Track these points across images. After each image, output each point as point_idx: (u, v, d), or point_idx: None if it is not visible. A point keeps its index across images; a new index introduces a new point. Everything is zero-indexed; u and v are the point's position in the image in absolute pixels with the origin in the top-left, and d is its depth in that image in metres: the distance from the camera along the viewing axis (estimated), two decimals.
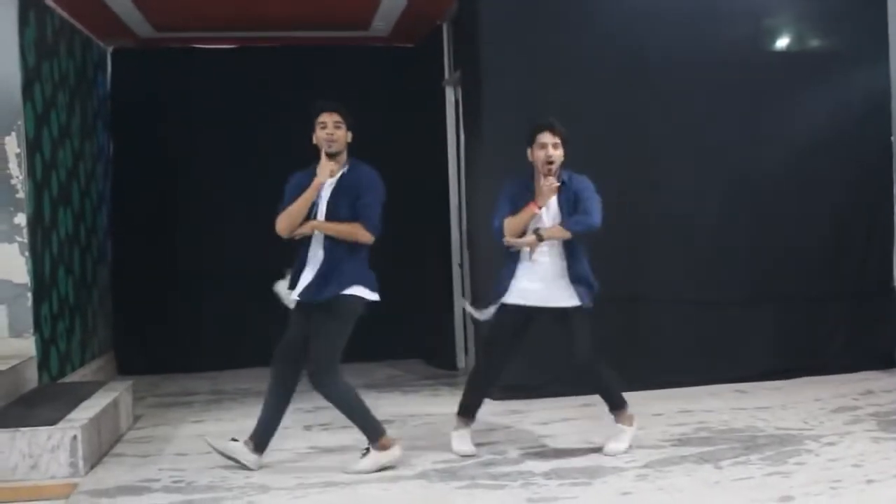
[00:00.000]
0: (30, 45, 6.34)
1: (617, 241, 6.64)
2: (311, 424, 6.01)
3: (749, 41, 7.05)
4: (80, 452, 4.86)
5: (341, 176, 4.99)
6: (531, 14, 6.66)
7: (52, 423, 4.95)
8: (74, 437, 4.86)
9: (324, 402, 6.56)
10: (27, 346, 6.17)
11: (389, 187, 8.46)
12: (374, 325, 8.49)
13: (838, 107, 7.10)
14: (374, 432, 4.84)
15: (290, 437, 5.69)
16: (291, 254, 5.35)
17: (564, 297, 4.91)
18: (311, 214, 4.98)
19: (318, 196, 4.96)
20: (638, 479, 4.50)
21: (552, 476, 4.58)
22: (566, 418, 5.85)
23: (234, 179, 8.45)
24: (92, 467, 4.98)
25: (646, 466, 4.70)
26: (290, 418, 6.15)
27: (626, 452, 4.93)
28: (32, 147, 6.34)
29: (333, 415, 6.20)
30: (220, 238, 8.44)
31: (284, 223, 4.90)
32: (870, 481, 4.32)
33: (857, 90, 7.16)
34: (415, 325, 8.54)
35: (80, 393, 5.74)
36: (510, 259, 5.01)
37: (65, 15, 7.17)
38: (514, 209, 4.97)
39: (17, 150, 6.15)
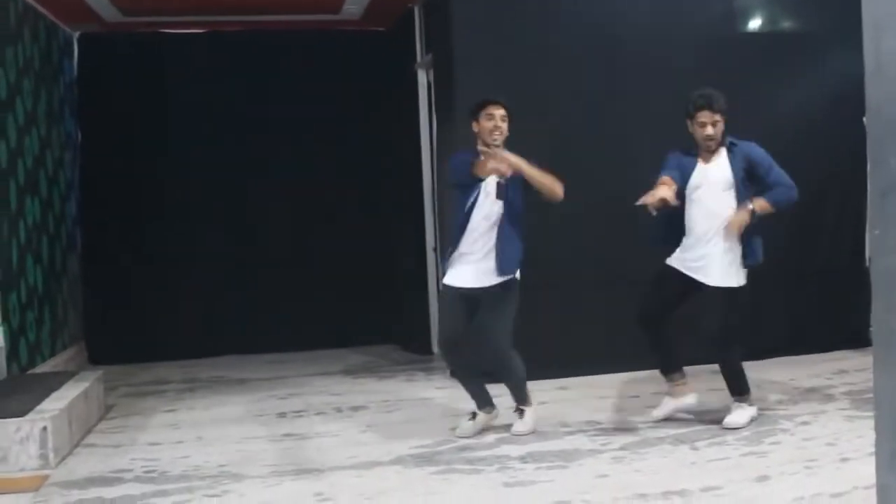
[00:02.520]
0: None
1: (592, 224, 6.64)
2: (286, 411, 5.97)
3: (722, 22, 7.04)
4: (50, 444, 4.78)
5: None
6: None
7: (21, 414, 4.86)
8: (44, 429, 4.78)
9: (299, 389, 6.66)
10: None
11: (362, 172, 8.52)
12: (348, 311, 8.57)
13: (811, 87, 7.10)
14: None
15: (264, 424, 5.65)
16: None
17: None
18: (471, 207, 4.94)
19: (480, 189, 4.94)
20: (614, 462, 4.49)
21: (528, 460, 4.56)
22: (541, 402, 5.79)
23: (205, 165, 8.37)
24: (63, 459, 4.90)
25: (622, 449, 4.69)
26: (263, 405, 6.17)
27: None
28: None
29: (307, 402, 6.23)
30: (193, 225, 8.37)
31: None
32: (844, 459, 4.33)
33: (830, 71, 7.14)
34: (389, 310, 8.51)
35: (50, 384, 5.65)
36: None
37: (28, 0, 7.04)
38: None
39: None
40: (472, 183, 4.91)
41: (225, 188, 8.46)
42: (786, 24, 7.30)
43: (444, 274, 5.16)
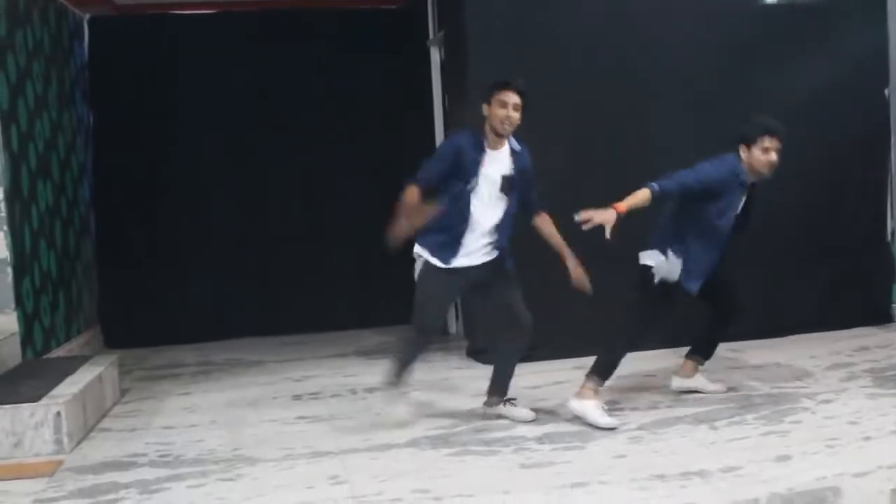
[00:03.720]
0: (0, 13, 6.17)
1: (610, 201, 6.54)
2: (301, 394, 5.93)
3: None
4: (64, 429, 4.76)
5: (513, 158, 4.79)
6: None
7: (36, 399, 4.84)
8: (58, 414, 4.76)
9: (314, 371, 6.63)
10: (9, 321, 6.03)
11: (375, 152, 8.43)
12: (363, 292, 8.51)
13: (834, 61, 6.96)
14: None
15: (279, 406, 5.62)
16: None
17: None
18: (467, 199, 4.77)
19: (481, 171, 4.73)
20: (632, 442, 4.42)
21: (545, 441, 4.50)
22: (557, 381, 5.77)
23: (218, 147, 8.32)
24: (77, 443, 4.88)
25: (640, 428, 4.63)
26: (278, 388, 6.14)
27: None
28: (7, 118, 6.18)
29: (322, 384, 6.19)
30: (207, 207, 8.33)
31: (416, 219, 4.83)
32: (867, 438, 4.26)
33: (853, 44, 7.01)
34: (405, 290, 8.43)
35: (65, 368, 5.63)
36: None
37: None
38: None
39: None
40: (472, 170, 4.70)
41: (238, 169, 8.42)
42: None
43: (432, 255, 4.93)
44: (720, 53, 6.76)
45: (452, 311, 7.89)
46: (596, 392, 4.84)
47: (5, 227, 6.04)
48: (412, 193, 4.70)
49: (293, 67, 8.37)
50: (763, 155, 4.84)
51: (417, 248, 4.96)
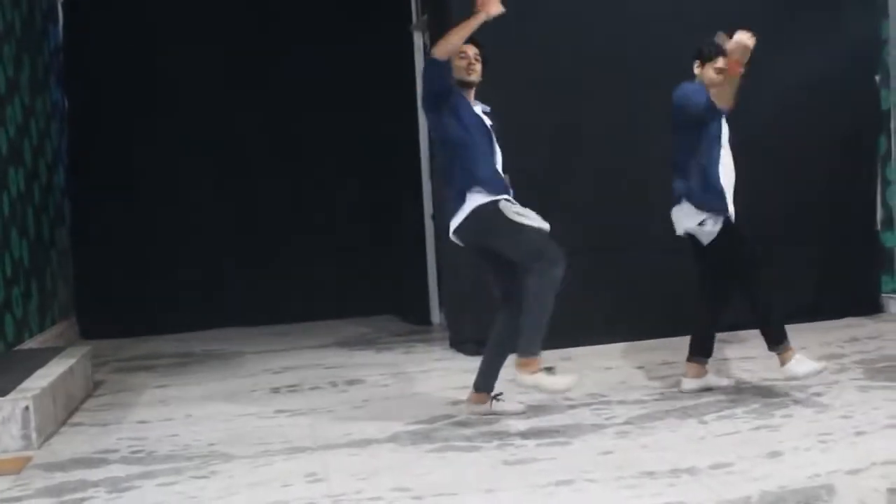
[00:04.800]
0: None
1: (599, 190, 6.43)
2: (279, 386, 5.79)
3: None
4: (32, 424, 4.59)
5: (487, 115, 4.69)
6: None
7: (3, 393, 4.68)
8: (26, 408, 4.59)
9: (294, 363, 6.48)
10: None
11: (358, 137, 8.28)
12: (346, 281, 8.37)
13: (825, 52, 6.83)
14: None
15: (257, 400, 5.47)
16: None
17: None
18: (489, 131, 4.62)
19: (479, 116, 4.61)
20: (619, 437, 4.29)
21: (529, 436, 4.37)
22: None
23: (198, 132, 8.17)
24: (47, 439, 4.72)
25: (627, 423, 4.50)
26: (256, 380, 6.00)
27: None
28: None
29: (302, 376, 6.04)
30: (187, 195, 8.18)
31: (446, 44, 4.44)
32: (860, 433, 4.14)
33: (844, 35, 6.91)
34: (387, 279, 8.32)
35: (35, 361, 5.46)
36: None
37: None
38: None
39: None
40: (462, 102, 4.57)
41: (219, 156, 8.26)
42: None
43: (496, 196, 4.49)
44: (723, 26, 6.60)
45: (436, 299, 7.76)
46: (793, 352, 4.80)
47: None
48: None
49: (273, 49, 8.21)
50: (716, 75, 4.78)
51: (483, 200, 4.51)
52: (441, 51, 4.46)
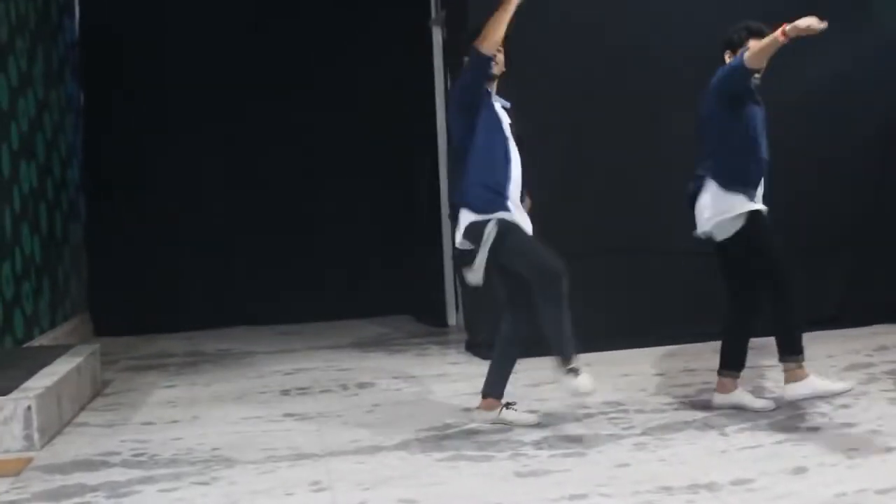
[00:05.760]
0: None
1: (621, 191, 6.28)
2: (289, 388, 5.67)
3: None
4: (35, 424, 4.49)
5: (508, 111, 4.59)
6: None
7: (5, 392, 4.58)
8: (28, 408, 4.50)
9: (306, 364, 6.36)
10: None
11: (376, 135, 8.15)
12: (361, 281, 8.24)
13: (851, 56, 6.63)
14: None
15: (265, 402, 5.36)
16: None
17: None
18: (505, 139, 4.48)
19: (500, 118, 4.50)
20: (636, 449, 4.13)
21: (543, 446, 4.21)
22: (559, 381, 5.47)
23: (214, 129, 8.08)
24: (50, 439, 4.62)
25: (644, 434, 4.34)
26: (267, 381, 5.88)
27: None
28: None
29: (313, 378, 5.92)
30: (201, 192, 8.09)
31: (489, 36, 4.33)
32: (889, 449, 3.95)
33: (871, 38, 6.71)
34: (404, 280, 8.18)
35: (42, 359, 5.37)
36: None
37: None
38: None
39: None
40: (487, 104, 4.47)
41: (234, 153, 8.17)
42: None
43: (499, 209, 4.40)
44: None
45: (452, 301, 7.62)
46: (802, 369, 4.53)
47: None
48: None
49: (290, 44, 8.10)
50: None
51: (474, 218, 4.43)
52: (490, 44, 4.35)
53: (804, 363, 4.59)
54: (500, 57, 4.50)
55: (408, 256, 8.15)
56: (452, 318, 7.61)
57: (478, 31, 4.46)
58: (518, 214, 4.46)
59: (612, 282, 6.22)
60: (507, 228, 4.39)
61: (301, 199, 8.19)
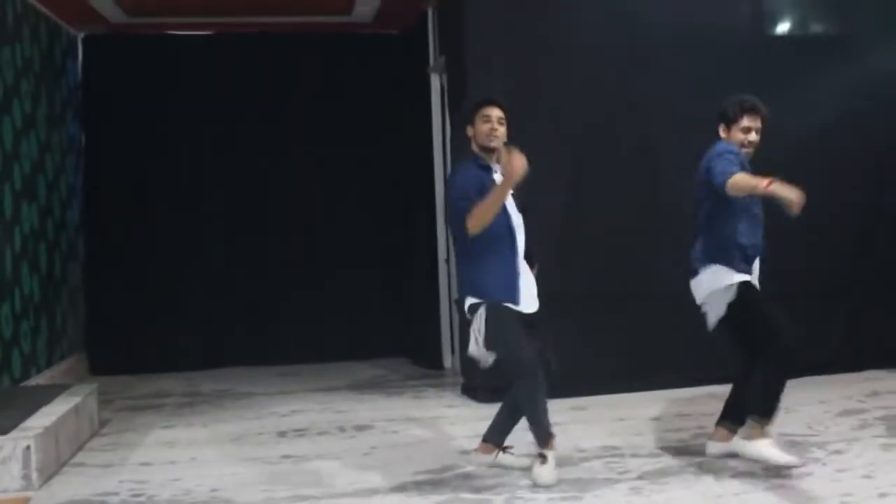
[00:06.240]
0: None
1: (614, 237, 6.35)
2: (286, 430, 5.68)
3: (750, 24, 6.74)
4: (33, 464, 4.52)
5: None
6: None
7: (4, 432, 4.61)
8: (27, 448, 4.52)
9: (303, 406, 6.37)
10: None
11: (373, 179, 8.25)
12: (357, 322, 8.28)
13: (849, 96, 6.75)
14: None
15: (263, 443, 5.37)
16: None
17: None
18: (505, 210, 4.43)
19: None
20: (632, 493, 4.17)
21: (540, 489, 4.24)
22: (556, 423, 5.48)
23: (213, 172, 8.16)
24: (48, 479, 4.63)
25: (640, 478, 4.37)
26: (264, 423, 5.89)
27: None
28: None
29: (310, 419, 5.94)
30: (200, 233, 8.13)
31: (481, 220, 4.29)
32: (883, 495, 3.99)
33: (869, 77, 6.81)
34: (400, 322, 8.22)
35: (40, 398, 5.38)
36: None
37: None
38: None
39: None
40: (482, 181, 4.42)
41: (233, 195, 8.22)
42: (818, 27, 6.98)
43: (498, 295, 4.40)
44: (728, 87, 6.51)
45: (448, 344, 7.66)
46: (763, 431, 4.43)
47: None
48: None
49: (289, 91, 8.21)
50: (743, 134, 4.58)
51: (471, 300, 4.48)
52: (477, 225, 4.29)
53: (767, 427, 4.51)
54: (502, 130, 4.47)
55: (405, 300, 8.19)
56: (448, 360, 7.63)
57: (476, 107, 4.48)
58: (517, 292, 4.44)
59: (609, 327, 6.27)
60: (495, 313, 4.38)
61: (299, 241, 8.25)
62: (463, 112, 4.68)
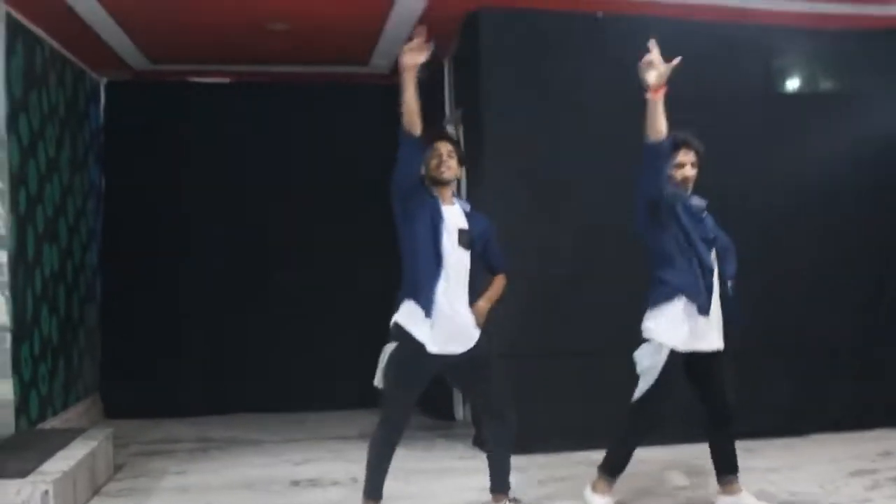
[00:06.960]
0: (16, 74, 6.12)
1: (623, 286, 6.37)
2: (299, 479, 5.71)
3: (760, 82, 6.86)
4: None
5: (467, 215, 4.60)
6: (534, 51, 6.46)
7: (23, 475, 4.67)
8: (46, 492, 4.58)
9: (314, 455, 6.39)
10: (4, 389, 5.89)
11: (385, 229, 8.27)
12: (367, 371, 8.26)
13: (856, 152, 6.85)
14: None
15: (276, 492, 5.40)
16: None
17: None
18: (436, 238, 4.44)
19: (442, 218, 4.46)
20: None
21: None
22: (564, 477, 5.54)
23: (229, 217, 8.24)
24: None
25: None
26: (276, 471, 5.92)
27: None
28: (17, 180, 6.10)
29: (322, 469, 5.97)
30: (215, 278, 8.19)
31: (407, 117, 4.35)
32: None
33: (876, 134, 6.91)
34: None
35: (57, 441, 5.44)
36: None
37: (56, 45, 6.96)
38: None
39: (0, 185, 5.91)
40: (434, 207, 4.45)
41: (248, 242, 8.31)
42: (826, 85, 7.09)
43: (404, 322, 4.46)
44: (737, 142, 6.61)
45: (459, 395, 7.68)
46: (609, 488, 4.58)
47: (7, 293, 5.92)
48: None
49: (307, 140, 8.33)
50: (677, 170, 4.61)
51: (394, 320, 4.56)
52: (406, 121, 4.35)
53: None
54: (452, 163, 4.53)
55: None
56: (459, 412, 7.65)
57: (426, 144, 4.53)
58: (430, 330, 4.40)
59: (606, 381, 6.26)
60: (399, 349, 4.51)
61: (308, 289, 8.29)
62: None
